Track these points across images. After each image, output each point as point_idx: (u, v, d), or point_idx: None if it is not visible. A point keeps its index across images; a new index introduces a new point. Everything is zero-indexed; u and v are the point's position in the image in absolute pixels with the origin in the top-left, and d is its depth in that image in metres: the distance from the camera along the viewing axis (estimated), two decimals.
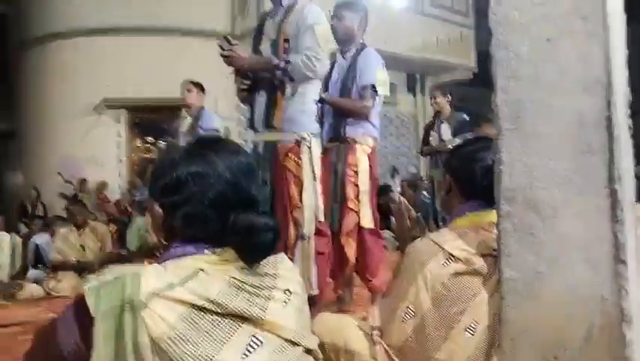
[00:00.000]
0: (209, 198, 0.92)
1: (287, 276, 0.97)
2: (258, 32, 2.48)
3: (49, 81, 9.35)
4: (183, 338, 0.82)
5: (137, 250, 5.05)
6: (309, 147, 2.34)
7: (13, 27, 12.35)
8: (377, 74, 2.83)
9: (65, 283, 4.71)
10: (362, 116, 2.85)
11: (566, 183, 0.96)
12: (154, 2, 8.61)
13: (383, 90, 2.86)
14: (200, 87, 4.68)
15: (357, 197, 2.79)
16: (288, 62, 2.27)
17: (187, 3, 8.66)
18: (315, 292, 2.30)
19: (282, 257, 1.00)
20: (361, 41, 2.95)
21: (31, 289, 4.59)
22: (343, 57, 2.95)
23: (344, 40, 2.92)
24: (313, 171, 2.35)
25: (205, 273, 0.88)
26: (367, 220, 2.79)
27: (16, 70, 11.02)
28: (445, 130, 4.54)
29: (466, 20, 11.19)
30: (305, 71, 2.25)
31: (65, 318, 0.86)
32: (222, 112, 9.62)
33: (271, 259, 0.96)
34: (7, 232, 5.01)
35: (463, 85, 11.15)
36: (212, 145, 0.98)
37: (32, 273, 5.12)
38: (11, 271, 4.80)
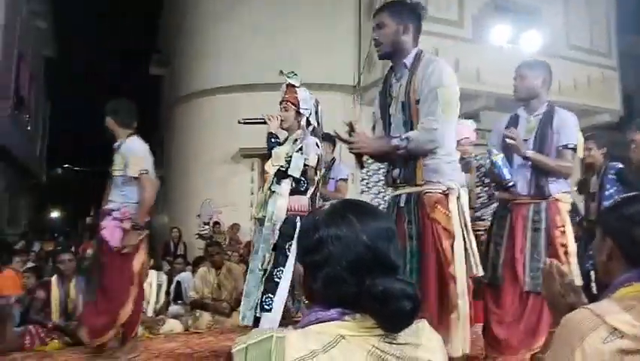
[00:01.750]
0: (346, 261, 0.92)
1: (429, 346, 0.94)
2: (385, 94, 2.43)
3: (193, 133, 10.37)
4: None
5: None
6: (458, 198, 2.22)
7: (166, 87, 14.05)
8: (577, 135, 2.85)
9: (202, 321, 5.03)
10: (562, 175, 2.86)
11: None
12: (284, 61, 9.22)
13: (579, 152, 2.89)
14: (327, 139, 4.78)
15: (566, 258, 2.73)
16: (407, 139, 2.19)
17: (315, 59, 9.15)
18: (466, 351, 2.14)
19: (423, 325, 0.96)
20: (547, 99, 2.97)
21: (172, 324, 4.95)
22: (529, 115, 2.97)
23: (526, 98, 2.97)
24: (464, 222, 2.21)
25: (346, 340, 0.88)
26: (579, 281, 2.73)
27: (167, 124, 12.42)
28: (595, 183, 4.14)
29: (607, 61, 10.38)
30: (424, 145, 2.18)
31: None
32: (346, 160, 9.96)
33: (412, 326, 0.93)
34: (152, 269, 5.48)
35: (606, 129, 10.26)
36: (352, 208, 0.99)
37: (173, 309, 5.53)
38: (155, 306, 5.22)
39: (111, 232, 3.45)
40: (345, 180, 4.60)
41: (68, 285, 4.56)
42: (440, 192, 2.21)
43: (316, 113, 3.25)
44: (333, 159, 4.70)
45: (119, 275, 3.48)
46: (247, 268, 7.19)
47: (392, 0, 2.40)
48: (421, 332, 0.94)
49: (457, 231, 2.17)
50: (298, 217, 3.04)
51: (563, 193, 2.85)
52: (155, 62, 14.89)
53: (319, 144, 3.15)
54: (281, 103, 3.23)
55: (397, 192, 2.35)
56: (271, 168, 3.10)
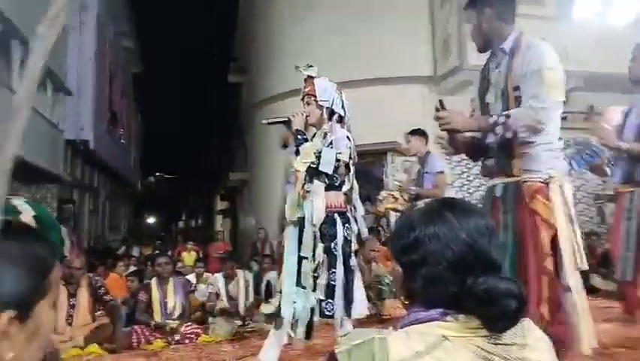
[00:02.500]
0: (446, 260, 0.90)
1: (537, 346, 0.90)
2: (483, 82, 2.32)
3: (274, 136, 10.62)
4: None
5: None
6: (561, 187, 2.08)
7: (245, 93, 14.55)
8: None
9: None
10: None
11: None
12: (359, 58, 9.21)
13: None
14: (419, 133, 4.55)
15: None
16: (507, 115, 2.05)
17: (389, 53, 9.05)
18: (587, 352, 2.00)
19: (529, 324, 0.93)
20: None
21: (261, 324, 5.09)
22: None
23: (638, 80, 2.82)
24: (569, 213, 2.08)
25: (449, 342, 0.86)
26: None
27: (248, 128, 12.85)
28: None
29: None
30: (528, 123, 2.02)
31: None
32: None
33: (518, 326, 0.89)
34: (239, 269, 5.70)
35: None
36: (449, 206, 0.97)
37: (264, 307, 5.70)
38: (246, 303, 5.42)
39: None
40: (442, 172, 4.36)
41: (166, 286, 4.84)
42: (540, 182, 2.08)
43: (342, 100, 3.05)
44: (428, 152, 4.48)
45: None
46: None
47: None
48: (527, 331, 0.91)
49: (560, 222, 2.04)
50: (336, 214, 2.91)
51: None
52: (233, 70, 15.49)
53: (350, 136, 2.97)
54: (303, 98, 3.08)
55: (494, 182, 2.23)
56: (300, 165, 2.93)
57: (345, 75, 9.44)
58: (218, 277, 5.40)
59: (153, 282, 4.89)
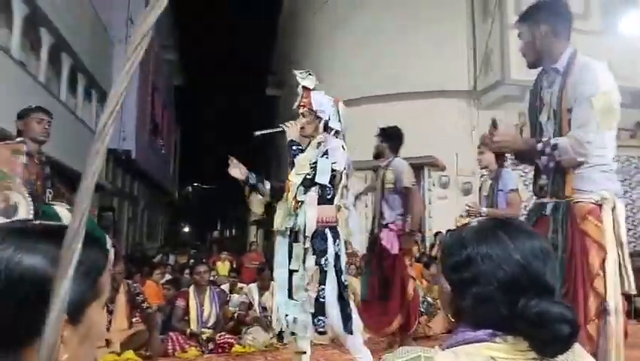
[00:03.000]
0: (497, 280, 0.88)
1: None
2: (535, 100, 2.27)
3: None
4: None
5: None
6: (613, 209, 2.03)
7: (282, 106, 14.73)
8: None
9: None
10: None
11: None
12: (394, 71, 9.19)
13: None
14: None
15: None
16: (554, 146, 2.02)
17: (428, 66, 9.00)
18: None
19: (580, 350, 0.90)
20: None
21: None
22: None
23: None
24: (618, 236, 2.03)
25: None
26: None
27: (282, 141, 12.99)
28: None
29: None
30: (574, 156, 1.99)
31: None
32: (462, 169, 9.58)
33: (569, 351, 0.87)
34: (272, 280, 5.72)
35: None
36: (503, 226, 0.95)
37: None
38: None
39: (390, 241, 4.02)
40: (516, 190, 4.05)
41: (203, 295, 4.90)
42: (593, 203, 2.03)
43: (338, 114, 2.99)
44: (501, 167, 4.15)
45: (395, 274, 4.05)
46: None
47: (528, 6, 2.25)
48: (578, 358, 0.88)
49: (611, 245, 1.99)
50: (327, 229, 2.81)
51: None
52: (271, 84, 15.75)
53: (345, 146, 2.90)
54: (298, 109, 3.01)
55: (544, 200, 2.19)
56: (295, 177, 2.86)
57: (381, 88, 9.48)
58: (253, 288, 5.44)
59: (191, 290, 4.96)
